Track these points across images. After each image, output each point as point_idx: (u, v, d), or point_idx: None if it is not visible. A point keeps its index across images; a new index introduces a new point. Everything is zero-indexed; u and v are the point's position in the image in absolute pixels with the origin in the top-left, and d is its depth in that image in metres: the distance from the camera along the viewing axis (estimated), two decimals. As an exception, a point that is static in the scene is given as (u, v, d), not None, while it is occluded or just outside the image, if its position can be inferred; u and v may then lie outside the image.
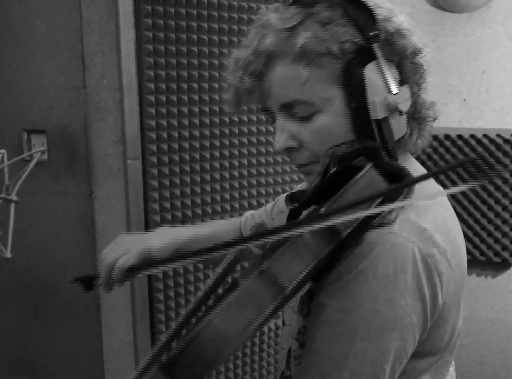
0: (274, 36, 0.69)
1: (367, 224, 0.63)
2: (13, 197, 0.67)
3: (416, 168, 0.78)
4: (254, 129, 1.74)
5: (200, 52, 1.57)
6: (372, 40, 0.67)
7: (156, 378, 0.53)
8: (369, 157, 0.66)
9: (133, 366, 1.57)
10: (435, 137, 2.21)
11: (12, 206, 0.69)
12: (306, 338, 0.70)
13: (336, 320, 0.65)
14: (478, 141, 2.17)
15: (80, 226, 1.46)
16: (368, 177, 0.63)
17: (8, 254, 0.67)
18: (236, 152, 1.70)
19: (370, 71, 0.68)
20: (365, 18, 0.68)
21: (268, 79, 0.71)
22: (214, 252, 0.56)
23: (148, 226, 1.54)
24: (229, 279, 0.65)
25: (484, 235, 2.20)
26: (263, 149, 1.78)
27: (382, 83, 0.69)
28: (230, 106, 0.77)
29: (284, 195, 0.86)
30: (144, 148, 1.50)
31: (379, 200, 0.62)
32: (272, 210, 1.05)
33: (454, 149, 2.21)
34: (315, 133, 0.71)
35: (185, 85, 1.55)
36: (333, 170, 0.65)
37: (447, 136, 2.21)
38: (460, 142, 2.19)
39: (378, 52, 0.68)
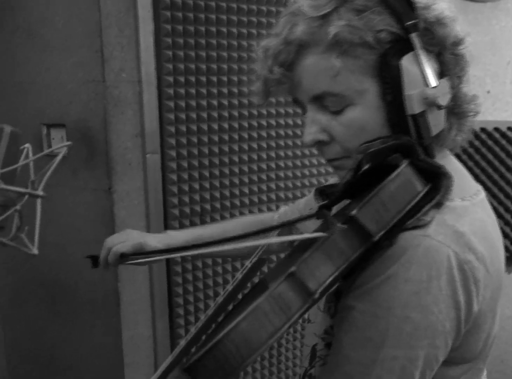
0: (305, 24, 0.66)
1: (400, 225, 0.61)
2: (40, 192, 0.67)
3: (454, 165, 0.74)
4: (273, 122, 1.72)
5: (219, 45, 1.55)
6: (410, 30, 0.64)
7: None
8: (405, 154, 0.63)
9: (152, 360, 1.57)
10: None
11: (39, 201, 0.68)
12: (333, 339, 0.68)
13: (365, 324, 0.62)
14: (503, 134, 2.12)
15: (99, 221, 1.45)
16: (404, 176, 0.60)
17: (35, 250, 0.67)
18: (255, 145, 1.69)
19: (407, 63, 0.64)
20: (403, 6, 0.64)
21: (298, 69, 0.68)
22: (202, 247, 0.55)
23: (167, 219, 1.53)
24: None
25: (508, 230, 2.16)
26: (282, 143, 1.76)
27: (420, 76, 0.65)
28: (258, 97, 0.74)
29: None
30: (163, 142, 1.49)
31: (416, 200, 0.60)
32: (304, 208, 1.03)
33: (477, 143, 2.16)
34: (347, 127, 0.68)
35: (204, 78, 1.53)
36: (366, 167, 0.62)
37: (469, 130, 2.17)
38: (484, 136, 2.14)
39: (416, 42, 0.64)
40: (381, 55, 0.64)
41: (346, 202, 0.71)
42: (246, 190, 1.69)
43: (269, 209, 1.76)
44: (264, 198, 1.74)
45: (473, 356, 0.69)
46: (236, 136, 1.63)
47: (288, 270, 0.54)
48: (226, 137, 1.61)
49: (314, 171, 1.87)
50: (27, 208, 0.70)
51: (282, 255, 0.92)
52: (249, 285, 1.06)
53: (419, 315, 0.60)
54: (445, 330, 0.62)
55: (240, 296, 0.68)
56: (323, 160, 1.88)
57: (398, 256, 0.61)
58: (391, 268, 0.61)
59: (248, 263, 0.60)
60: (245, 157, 1.67)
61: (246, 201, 1.70)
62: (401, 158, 0.62)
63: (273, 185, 1.76)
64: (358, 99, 0.66)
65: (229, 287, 0.62)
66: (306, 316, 0.86)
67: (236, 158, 1.65)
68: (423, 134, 0.66)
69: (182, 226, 1.56)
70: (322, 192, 0.70)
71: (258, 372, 1.82)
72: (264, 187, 1.73)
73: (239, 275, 0.62)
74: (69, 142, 0.72)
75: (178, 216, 1.55)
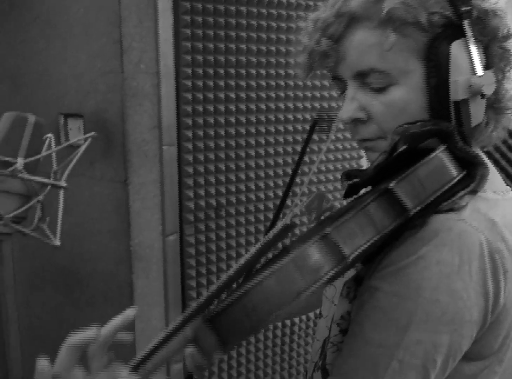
0: None
1: (435, 206, 0.59)
2: (63, 183, 0.66)
3: (487, 161, 0.72)
4: (291, 117, 1.70)
5: (238, 37, 1.53)
6: (464, 16, 0.63)
7: (199, 329, 0.51)
8: (442, 140, 0.62)
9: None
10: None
11: (62, 192, 0.67)
12: (351, 323, 0.67)
13: (390, 305, 0.61)
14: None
15: (115, 212, 1.45)
16: (440, 160, 0.60)
17: (57, 242, 0.66)
18: (272, 140, 1.67)
19: (456, 49, 0.64)
20: None
21: (346, 43, 0.67)
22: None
23: (181, 212, 1.53)
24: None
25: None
26: (299, 138, 1.74)
27: (468, 63, 0.64)
28: (302, 70, 0.73)
29: None
30: (180, 134, 1.48)
31: (451, 184, 0.59)
32: None
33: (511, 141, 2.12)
34: (388, 106, 0.67)
35: (222, 71, 1.52)
36: (402, 148, 0.61)
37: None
38: None
39: (468, 29, 0.64)
40: (432, 38, 0.64)
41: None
42: (262, 184, 1.68)
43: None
44: (280, 192, 1.73)
45: (490, 353, 0.67)
46: (253, 130, 1.62)
47: (322, 231, 0.53)
48: (243, 130, 1.60)
49: (331, 167, 1.85)
50: (47, 198, 0.70)
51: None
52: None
53: (448, 299, 0.59)
54: (472, 319, 0.60)
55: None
56: (339, 156, 1.87)
57: (430, 237, 0.60)
58: (422, 248, 0.59)
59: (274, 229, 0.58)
60: (262, 151, 1.66)
61: (262, 195, 1.68)
62: (438, 142, 0.61)
63: (288, 180, 1.74)
64: (403, 79, 0.66)
65: (253, 250, 0.60)
66: (318, 311, 0.85)
67: (252, 153, 1.63)
68: (463, 122, 0.65)
69: (196, 219, 1.56)
70: (349, 175, 0.69)
71: (270, 367, 1.82)
72: (280, 182, 1.72)
73: (266, 238, 0.60)
74: (93, 133, 0.71)
75: (193, 209, 1.54)
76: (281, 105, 1.68)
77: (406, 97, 0.66)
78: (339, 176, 1.82)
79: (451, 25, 0.64)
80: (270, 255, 0.66)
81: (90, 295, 1.55)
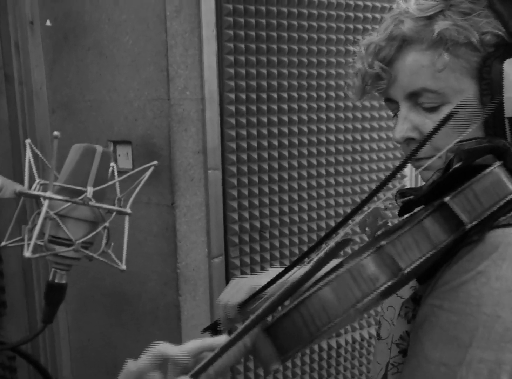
0: (412, 22, 0.67)
1: (492, 221, 0.59)
2: (128, 210, 0.69)
3: None
4: (332, 138, 1.72)
5: (279, 62, 1.56)
6: None
7: (258, 338, 0.51)
8: (498, 156, 0.62)
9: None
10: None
11: (127, 219, 0.71)
12: (411, 343, 0.66)
13: (450, 323, 0.59)
14: None
15: (161, 235, 1.48)
16: (496, 175, 0.59)
17: (123, 266, 0.69)
18: (314, 161, 1.69)
19: (509, 67, 0.64)
20: (510, 11, 0.65)
21: (398, 65, 0.69)
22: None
23: (226, 234, 1.55)
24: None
25: None
26: (341, 159, 1.75)
27: None
28: (354, 94, 0.75)
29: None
30: (224, 158, 1.51)
31: (508, 199, 0.58)
32: None
33: None
34: None
35: (264, 95, 1.55)
36: (457, 165, 0.61)
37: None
38: None
39: None
40: (484, 57, 0.65)
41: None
42: (305, 206, 1.69)
43: (328, 225, 1.75)
44: (323, 214, 1.73)
45: None
46: (295, 152, 1.64)
47: (377, 244, 0.53)
48: (285, 153, 1.62)
49: (365, 188, 1.85)
50: (110, 225, 0.74)
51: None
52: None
53: (510, 315, 0.57)
54: None
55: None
56: (382, 176, 1.86)
57: (489, 252, 0.59)
58: (481, 264, 0.59)
59: (328, 244, 0.58)
60: (304, 173, 1.67)
61: (305, 216, 1.69)
62: (494, 159, 0.61)
63: (331, 201, 1.74)
64: (455, 98, 0.67)
65: (308, 264, 0.61)
66: (375, 333, 0.84)
67: (295, 174, 1.65)
68: None
69: (241, 241, 1.58)
70: (404, 194, 0.69)
71: (315, 390, 1.80)
72: (323, 203, 1.72)
73: (321, 253, 0.60)
74: (155, 162, 0.74)
75: (237, 231, 1.56)
76: (323, 127, 1.69)
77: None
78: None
79: (504, 44, 0.65)
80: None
81: (138, 316, 1.58)
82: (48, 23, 1.56)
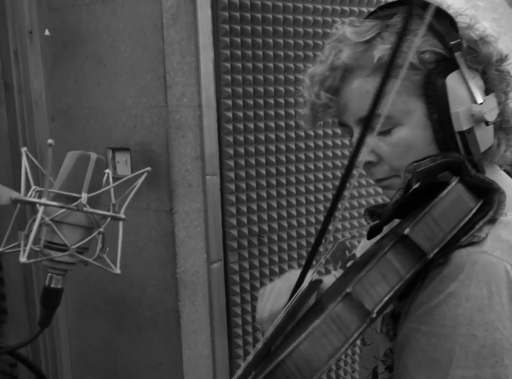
0: (350, 50, 0.68)
1: (455, 242, 0.60)
2: (122, 215, 0.71)
3: (505, 180, 0.74)
4: (330, 142, 1.73)
5: (276, 68, 1.58)
6: (454, 49, 0.65)
7: None
8: (454, 172, 0.63)
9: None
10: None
11: (121, 224, 0.72)
12: (396, 363, 0.67)
13: (430, 345, 0.61)
14: None
15: (160, 241, 1.50)
16: (455, 193, 0.60)
17: (118, 270, 0.70)
18: (311, 166, 1.70)
19: (452, 81, 0.65)
20: (446, 27, 0.66)
21: (344, 94, 0.70)
22: None
23: (225, 240, 1.56)
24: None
25: None
26: (339, 163, 1.76)
27: (466, 93, 0.66)
28: (306, 122, 0.76)
29: None
30: (222, 164, 1.53)
31: (469, 217, 0.59)
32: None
33: None
34: (394, 147, 0.69)
35: (261, 101, 1.57)
36: (415, 186, 0.62)
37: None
38: None
39: (460, 61, 0.65)
40: (426, 75, 0.66)
41: (396, 221, 0.71)
42: (303, 210, 1.70)
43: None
44: (321, 218, 1.74)
45: None
46: (293, 157, 1.65)
47: (344, 290, 0.55)
48: (283, 158, 1.63)
49: (372, 191, 1.85)
50: (105, 230, 0.75)
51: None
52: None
53: (485, 333, 0.59)
54: None
55: (297, 318, 0.68)
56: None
57: (456, 273, 0.61)
58: (450, 286, 0.60)
59: (301, 287, 0.60)
60: (302, 178, 1.68)
61: (303, 221, 1.70)
62: (451, 175, 0.62)
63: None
64: (405, 119, 0.68)
65: (286, 309, 0.63)
66: (361, 338, 0.85)
67: (293, 179, 1.66)
68: (472, 150, 0.66)
69: (240, 246, 1.58)
70: (372, 212, 0.71)
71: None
72: (321, 207, 1.73)
73: (295, 296, 0.63)
74: (148, 168, 0.76)
75: (236, 236, 1.57)
76: (320, 132, 1.71)
77: (411, 135, 0.68)
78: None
79: (444, 59, 0.66)
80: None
81: (138, 322, 1.59)
82: (47, 32, 1.58)
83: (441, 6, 0.68)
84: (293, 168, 1.66)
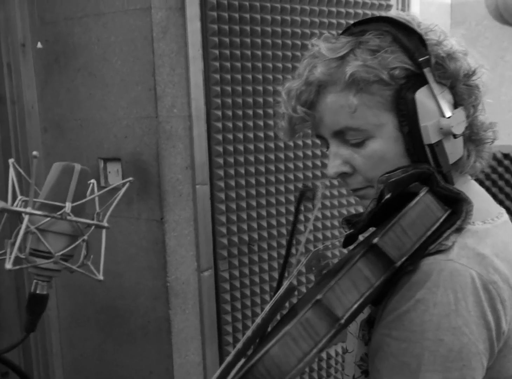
0: (324, 66, 0.71)
1: (423, 250, 0.63)
2: (105, 224, 0.73)
3: (475, 189, 0.77)
4: (318, 152, 1.75)
5: (265, 79, 1.61)
6: (423, 65, 0.68)
7: None
8: (424, 182, 0.66)
9: (202, 387, 1.59)
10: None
11: (104, 232, 0.74)
12: (370, 368, 0.70)
13: (400, 350, 0.64)
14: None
15: (151, 249, 1.51)
16: (423, 203, 0.63)
17: (101, 277, 0.73)
18: (300, 175, 1.72)
19: (421, 96, 0.68)
20: (415, 44, 0.68)
21: (320, 108, 0.73)
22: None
23: (215, 248, 1.58)
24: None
25: None
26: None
27: (435, 107, 0.69)
28: (285, 134, 0.79)
29: None
30: (212, 173, 1.55)
31: (436, 226, 0.62)
32: None
33: (500, 169, 2.11)
34: (368, 159, 0.71)
35: (250, 112, 1.59)
36: (387, 196, 0.65)
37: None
38: (507, 162, 2.10)
39: (429, 76, 0.68)
40: (397, 90, 0.69)
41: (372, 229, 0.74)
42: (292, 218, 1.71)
43: (315, 237, 1.78)
44: (310, 226, 1.76)
45: (508, 376, 0.69)
46: (282, 167, 1.68)
47: (315, 297, 0.57)
48: (273, 168, 1.66)
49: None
50: (90, 238, 0.77)
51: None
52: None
53: (452, 337, 0.62)
54: (479, 350, 0.63)
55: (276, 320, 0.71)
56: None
57: (424, 281, 0.63)
58: (418, 293, 0.63)
59: (276, 294, 0.63)
60: (291, 187, 1.71)
61: (293, 229, 1.72)
62: (420, 186, 0.65)
63: (319, 214, 1.78)
64: (377, 132, 0.70)
65: (261, 315, 0.65)
66: (344, 345, 0.87)
67: (282, 188, 1.68)
68: (441, 162, 0.69)
69: (230, 255, 1.60)
70: (349, 221, 0.73)
71: (307, 402, 1.81)
72: (310, 216, 1.75)
73: (271, 302, 0.65)
74: (131, 178, 0.78)
75: (226, 244, 1.59)
76: (309, 141, 1.73)
77: (384, 147, 0.70)
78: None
79: (413, 75, 0.68)
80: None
81: (129, 330, 1.60)
82: (39, 45, 1.60)
83: (411, 23, 0.71)
84: (282, 178, 1.68)
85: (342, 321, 0.57)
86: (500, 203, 2.02)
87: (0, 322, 1.71)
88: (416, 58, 0.68)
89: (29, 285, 1.68)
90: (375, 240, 0.60)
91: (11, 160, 0.74)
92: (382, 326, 0.66)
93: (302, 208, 0.71)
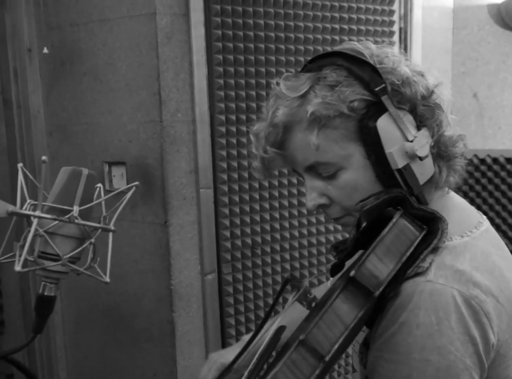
0: (286, 106, 0.72)
1: (402, 275, 0.64)
2: (111, 227, 0.74)
3: (452, 202, 0.78)
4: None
5: (268, 84, 1.62)
6: (380, 94, 0.69)
7: None
8: (398, 206, 0.67)
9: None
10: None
11: (110, 235, 0.76)
12: None
13: (390, 371, 0.66)
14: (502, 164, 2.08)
15: (155, 253, 1.53)
16: (397, 229, 0.64)
17: (107, 279, 0.74)
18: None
19: (383, 124, 0.69)
20: (369, 74, 0.70)
21: (289, 146, 0.74)
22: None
23: (219, 252, 1.59)
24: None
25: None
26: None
27: (398, 133, 0.70)
28: (259, 173, 0.80)
29: None
30: (216, 177, 1.56)
31: (412, 249, 0.63)
32: None
33: (477, 174, 2.12)
34: (342, 189, 0.73)
35: (254, 116, 1.61)
36: (364, 224, 0.66)
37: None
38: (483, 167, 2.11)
39: (388, 103, 0.69)
40: (359, 120, 0.70)
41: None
42: (296, 223, 1.73)
43: (318, 241, 1.79)
44: (314, 230, 1.77)
45: None
46: (285, 170, 1.69)
47: (298, 337, 0.58)
48: (275, 171, 1.67)
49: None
50: (97, 241, 0.79)
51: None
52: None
53: (438, 356, 0.63)
54: (467, 366, 0.64)
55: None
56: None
57: (406, 303, 0.65)
58: (401, 316, 0.64)
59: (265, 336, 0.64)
60: (295, 191, 1.72)
61: (296, 233, 1.73)
62: (394, 211, 0.67)
63: (322, 218, 1.79)
64: (346, 163, 0.72)
65: (256, 356, 0.66)
66: (352, 365, 0.89)
67: (285, 192, 1.69)
68: (411, 184, 0.70)
69: (233, 258, 1.61)
70: (336, 248, 0.75)
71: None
72: (313, 219, 1.77)
73: (266, 338, 0.66)
74: (137, 183, 0.80)
75: (230, 248, 1.60)
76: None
77: (355, 177, 0.72)
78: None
79: (373, 104, 0.69)
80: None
81: (133, 333, 1.61)
82: (45, 50, 1.62)
83: (363, 54, 0.72)
84: (285, 182, 1.69)
85: (327, 358, 0.58)
86: (503, 207, 2.03)
87: (5, 325, 1.72)
88: (373, 88, 0.69)
89: (34, 287, 1.69)
90: (352, 273, 0.61)
91: (20, 165, 0.75)
92: (374, 348, 0.68)
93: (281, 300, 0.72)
